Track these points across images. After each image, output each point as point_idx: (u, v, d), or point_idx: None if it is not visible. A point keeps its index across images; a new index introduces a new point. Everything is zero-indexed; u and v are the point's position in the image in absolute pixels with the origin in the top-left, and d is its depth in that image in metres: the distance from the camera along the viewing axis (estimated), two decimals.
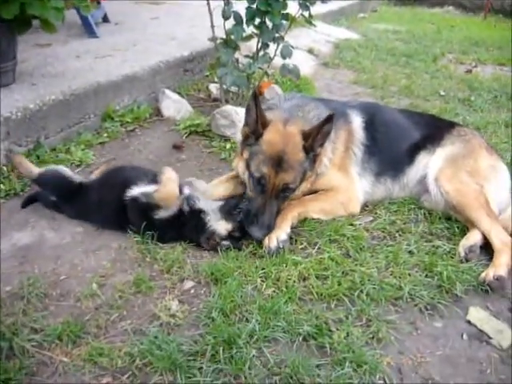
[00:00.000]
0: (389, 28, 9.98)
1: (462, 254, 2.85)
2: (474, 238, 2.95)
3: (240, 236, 2.84)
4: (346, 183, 3.17)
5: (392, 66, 7.10)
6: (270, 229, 2.81)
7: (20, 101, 3.59)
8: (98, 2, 6.02)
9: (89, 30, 5.67)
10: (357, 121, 3.32)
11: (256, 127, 2.90)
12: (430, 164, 3.30)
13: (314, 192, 3.12)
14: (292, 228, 2.89)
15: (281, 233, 2.79)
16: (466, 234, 2.99)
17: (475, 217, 2.98)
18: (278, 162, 2.82)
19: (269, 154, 2.83)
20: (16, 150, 3.41)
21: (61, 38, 5.38)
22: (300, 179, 2.92)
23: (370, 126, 3.31)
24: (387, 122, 3.44)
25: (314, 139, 2.86)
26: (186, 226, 2.79)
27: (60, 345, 2.11)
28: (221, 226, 2.78)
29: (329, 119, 2.83)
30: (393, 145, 3.37)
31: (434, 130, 3.47)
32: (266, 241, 2.76)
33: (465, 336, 2.34)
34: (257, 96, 2.87)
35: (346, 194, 3.16)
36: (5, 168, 3.32)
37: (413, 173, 3.35)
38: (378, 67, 6.92)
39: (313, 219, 3.04)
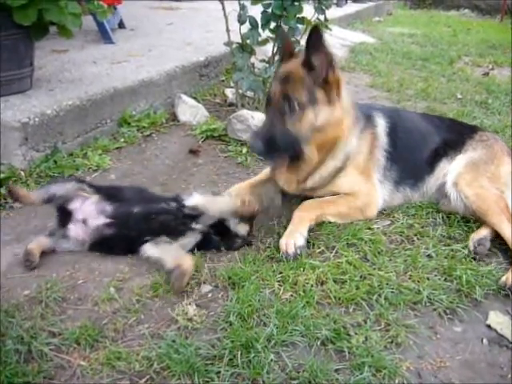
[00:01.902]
0: (404, 31, 9.96)
1: (471, 248, 2.85)
2: (483, 232, 2.95)
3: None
4: (366, 189, 3.12)
5: (408, 69, 7.08)
6: (267, 141, 2.79)
7: (37, 106, 3.61)
8: (114, 8, 6.05)
9: (105, 36, 5.72)
10: (381, 125, 3.24)
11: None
12: (450, 169, 3.26)
13: (333, 194, 3.09)
14: (309, 231, 2.87)
15: (298, 237, 2.77)
16: None
17: (495, 222, 2.94)
18: (283, 79, 2.86)
19: (277, 75, 2.94)
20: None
21: (77, 44, 5.43)
22: (306, 96, 2.81)
23: (393, 131, 3.24)
24: (409, 128, 3.37)
25: (308, 53, 2.82)
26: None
27: (78, 348, 2.11)
28: (241, 228, 2.81)
29: (312, 30, 2.79)
30: (414, 152, 3.31)
31: (456, 135, 3.41)
32: (284, 246, 2.73)
33: (485, 340, 2.30)
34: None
35: (365, 199, 3.11)
36: (22, 173, 3.35)
37: (433, 180, 3.31)
38: (393, 71, 6.90)
39: (330, 223, 3.02)
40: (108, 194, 2.84)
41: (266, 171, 3.40)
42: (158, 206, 2.80)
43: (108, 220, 2.71)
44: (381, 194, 3.20)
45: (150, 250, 2.66)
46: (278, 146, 2.84)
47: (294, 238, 2.76)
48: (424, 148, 3.34)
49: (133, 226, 2.70)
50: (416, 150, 3.33)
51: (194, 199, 2.82)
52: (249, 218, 2.86)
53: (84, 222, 2.72)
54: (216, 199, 2.91)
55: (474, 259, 2.81)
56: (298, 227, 2.84)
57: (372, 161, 3.17)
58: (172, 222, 2.74)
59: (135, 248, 2.70)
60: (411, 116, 3.65)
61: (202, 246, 2.78)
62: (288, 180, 3.11)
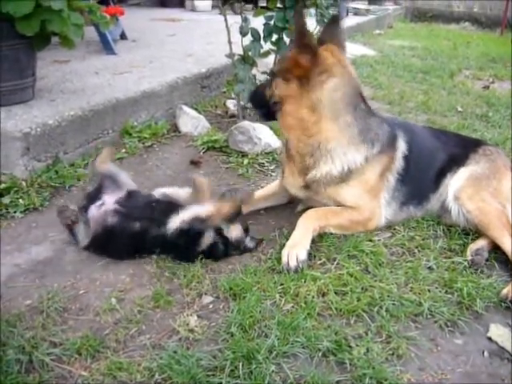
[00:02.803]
0: (405, 44, 9.99)
1: (469, 258, 2.86)
2: (481, 242, 2.97)
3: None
4: (371, 206, 3.10)
5: (409, 82, 7.09)
6: (252, 95, 3.48)
7: (39, 117, 3.62)
8: (117, 19, 6.08)
9: (107, 47, 5.75)
10: (401, 147, 3.19)
11: None
12: (452, 182, 3.24)
13: (338, 204, 3.08)
14: (311, 242, 2.87)
15: (301, 250, 2.76)
16: None
17: (497, 236, 2.95)
18: None
19: None
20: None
21: (79, 55, 5.45)
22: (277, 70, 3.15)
23: (409, 153, 3.20)
24: (421, 149, 3.32)
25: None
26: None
27: (79, 359, 2.11)
28: (235, 231, 2.84)
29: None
30: (423, 173, 3.29)
31: (460, 150, 3.39)
32: (286, 258, 2.73)
33: (486, 353, 2.30)
34: None
35: (368, 215, 3.10)
36: (24, 183, 3.35)
37: (436, 198, 3.29)
38: (394, 83, 6.92)
39: (331, 234, 3.02)
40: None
41: (272, 184, 3.47)
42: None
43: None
44: (385, 212, 3.18)
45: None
46: (256, 101, 3.34)
47: (296, 250, 2.75)
48: (432, 167, 3.32)
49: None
50: (425, 171, 3.31)
51: (162, 189, 3.02)
52: (232, 218, 2.86)
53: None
54: (178, 189, 3.03)
55: (473, 269, 2.82)
56: (302, 239, 2.83)
57: (383, 182, 3.14)
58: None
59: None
60: (423, 134, 3.56)
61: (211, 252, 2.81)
62: (292, 179, 3.17)
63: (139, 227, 2.76)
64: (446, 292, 2.62)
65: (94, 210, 2.83)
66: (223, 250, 2.82)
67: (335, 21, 3.19)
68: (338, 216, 3.05)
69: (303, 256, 2.75)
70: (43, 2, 3.41)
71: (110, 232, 2.77)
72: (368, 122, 3.06)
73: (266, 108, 3.19)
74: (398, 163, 3.17)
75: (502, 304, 2.57)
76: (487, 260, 2.91)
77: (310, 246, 2.84)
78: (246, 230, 2.93)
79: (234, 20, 4.32)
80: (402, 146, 3.20)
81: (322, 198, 3.09)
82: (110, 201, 2.86)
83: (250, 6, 5.87)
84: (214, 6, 10.22)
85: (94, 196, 2.94)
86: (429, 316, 2.46)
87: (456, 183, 3.23)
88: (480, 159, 3.32)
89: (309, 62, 2.89)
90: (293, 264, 2.70)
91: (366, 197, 3.09)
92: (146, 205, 2.89)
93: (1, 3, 3.35)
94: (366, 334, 2.30)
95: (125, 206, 2.84)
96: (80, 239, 2.84)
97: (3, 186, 3.27)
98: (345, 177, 3.03)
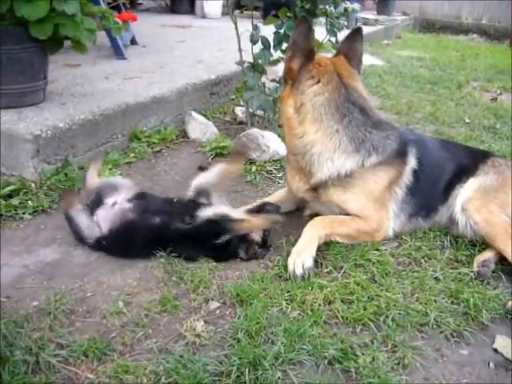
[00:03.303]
0: (413, 55, 10.00)
1: (476, 269, 2.87)
2: (487, 254, 2.98)
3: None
4: (378, 216, 3.10)
5: (416, 92, 7.09)
6: None
7: (50, 119, 3.65)
8: (128, 25, 6.11)
9: (117, 52, 5.77)
10: (411, 163, 3.18)
11: None
12: (460, 193, 3.24)
13: (343, 211, 3.08)
14: (317, 250, 2.87)
15: (307, 258, 2.77)
16: None
17: (504, 248, 2.94)
18: None
19: None
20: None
21: (90, 59, 5.47)
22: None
23: (420, 166, 3.20)
24: (431, 162, 3.30)
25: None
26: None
27: (86, 361, 2.12)
28: (255, 234, 2.90)
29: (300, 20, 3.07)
30: (432, 186, 3.29)
31: (470, 162, 3.38)
32: (292, 266, 2.74)
33: (491, 364, 2.30)
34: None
35: (375, 226, 3.09)
36: (33, 185, 3.37)
37: (445, 210, 3.29)
38: (402, 94, 6.92)
39: (337, 243, 3.02)
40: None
41: (279, 192, 3.48)
42: None
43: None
44: (393, 224, 3.18)
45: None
46: None
47: (302, 258, 2.76)
48: (441, 180, 3.31)
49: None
50: (435, 183, 3.31)
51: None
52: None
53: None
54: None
55: (479, 280, 2.82)
56: (308, 247, 2.84)
57: (390, 193, 3.14)
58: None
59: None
60: (434, 147, 3.52)
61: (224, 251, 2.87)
62: (299, 184, 3.19)
63: (159, 221, 2.83)
64: (452, 303, 2.62)
65: (105, 210, 2.89)
66: (237, 249, 2.88)
67: (356, 33, 3.27)
68: (344, 225, 3.06)
69: (309, 263, 2.76)
70: (57, 7, 3.44)
71: (129, 228, 2.82)
72: (363, 132, 3.05)
73: None
74: (407, 178, 3.17)
75: (508, 315, 2.57)
76: (494, 272, 2.91)
77: (317, 254, 2.85)
78: (265, 239, 2.98)
79: (245, 28, 4.34)
80: (411, 162, 3.19)
81: (325, 202, 3.12)
82: (122, 199, 2.94)
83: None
84: (224, 13, 10.25)
85: (97, 202, 2.99)
86: (435, 326, 2.46)
87: (464, 194, 3.22)
88: (489, 170, 3.31)
89: (299, 66, 3.05)
90: (299, 272, 2.71)
91: (372, 207, 3.09)
92: (165, 200, 3.04)
93: (15, 7, 3.39)
94: (372, 343, 2.31)
95: (141, 203, 2.93)
96: (86, 235, 2.88)
97: (12, 187, 3.29)
98: (339, 183, 3.04)
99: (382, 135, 3.11)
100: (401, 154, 3.16)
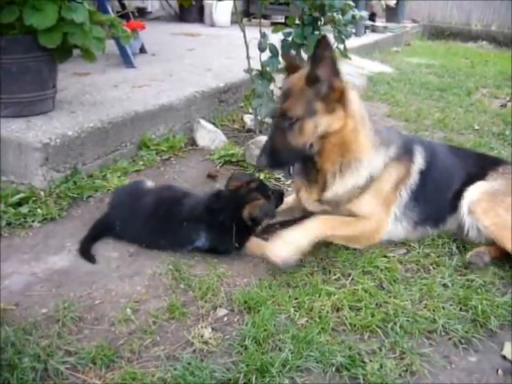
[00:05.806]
0: (422, 62, 9.98)
1: (467, 258, 2.96)
2: (485, 247, 3.03)
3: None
4: (379, 216, 3.11)
5: (425, 99, 7.08)
6: (271, 156, 2.91)
7: (59, 128, 3.67)
8: (137, 33, 6.15)
9: (126, 60, 5.80)
10: (418, 162, 3.20)
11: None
12: (467, 195, 3.21)
13: (350, 214, 3.08)
14: (322, 257, 2.89)
15: (293, 253, 2.83)
16: (500, 267, 2.99)
17: None
18: (283, 95, 2.96)
19: (281, 91, 3.05)
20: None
21: (99, 68, 5.50)
22: (303, 110, 2.84)
23: (427, 170, 3.20)
24: (439, 167, 3.31)
25: (312, 66, 2.82)
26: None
27: (94, 368, 2.12)
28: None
29: (319, 40, 2.77)
30: (440, 194, 3.27)
31: (479, 169, 3.35)
32: (275, 252, 2.82)
33: (500, 371, 2.29)
34: None
35: (374, 226, 3.11)
36: (42, 193, 3.39)
37: (454, 219, 3.27)
38: (411, 101, 6.92)
39: (346, 249, 3.03)
40: None
41: (287, 199, 3.45)
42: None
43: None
44: (394, 229, 3.19)
45: None
46: (283, 159, 3.00)
47: (289, 249, 2.82)
48: (450, 188, 3.30)
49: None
50: (443, 191, 3.29)
51: None
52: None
53: None
54: None
55: (469, 269, 2.91)
56: (301, 241, 2.87)
57: (395, 195, 3.15)
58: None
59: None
60: (444, 153, 3.51)
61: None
62: (308, 196, 3.17)
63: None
64: (461, 309, 2.62)
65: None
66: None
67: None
68: (345, 226, 3.06)
69: (292, 261, 2.81)
70: (66, 15, 3.46)
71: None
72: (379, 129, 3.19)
73: (297, 159, 3.07)
74: (413, 179, 3.19)
75: None
76: (486, 264, 2.95)
77: (325, 262, 2.86)
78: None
79: (253, 35, 4.35)
80: (418, 161, 3.22)
81: (340, 212, 3.09)
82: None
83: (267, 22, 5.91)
84: (233, 22, 10.28)
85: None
86: (443, 333, 2.46)
87: (471, 195, 3.19)
88: (498, 176, 3.28)
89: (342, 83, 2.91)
90: (280, 262, 2.79)
91: (378, 207, 3.11)
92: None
93: (24, 16, 3.41)
94: (380, 350, 2.30)
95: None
96: None
97: (22, 195, 3.31)
98: (366, 185, 3.06)
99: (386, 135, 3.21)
100: (407, 151, 3.21)
